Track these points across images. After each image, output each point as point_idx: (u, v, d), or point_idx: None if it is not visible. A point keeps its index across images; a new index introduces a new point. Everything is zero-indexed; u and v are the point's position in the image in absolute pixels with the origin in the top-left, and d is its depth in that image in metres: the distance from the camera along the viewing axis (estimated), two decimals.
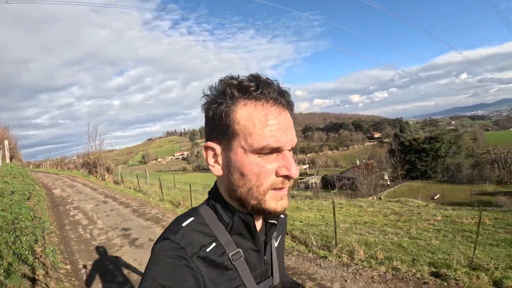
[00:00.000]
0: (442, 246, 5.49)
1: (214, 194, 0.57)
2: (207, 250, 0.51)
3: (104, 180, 12.27)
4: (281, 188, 0.52)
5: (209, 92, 0.52)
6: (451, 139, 39.17)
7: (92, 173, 13.99)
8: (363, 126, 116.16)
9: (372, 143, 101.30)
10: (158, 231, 4.86)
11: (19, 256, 2.86)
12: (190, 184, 7.57)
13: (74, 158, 29.89)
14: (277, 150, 0.49)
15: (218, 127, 0.51)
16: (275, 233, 0.65)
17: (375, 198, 21.86)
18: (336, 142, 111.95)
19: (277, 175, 0.50)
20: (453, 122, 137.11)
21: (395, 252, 4.21)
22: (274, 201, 0.51)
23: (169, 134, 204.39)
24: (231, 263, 0.53)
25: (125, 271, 3.32)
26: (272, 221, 0.61)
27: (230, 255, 0.53)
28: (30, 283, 2.45)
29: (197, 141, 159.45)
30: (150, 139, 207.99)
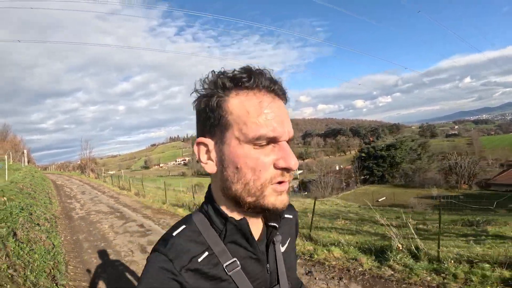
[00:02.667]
0: None
1: (207, 198, 0.56)
2: (199, 260, 0.49)
3: (89, 176, 19.26)
4: (281, 182, 0.50)
5: (199, 87, 0.51)
6: (413, 146, 44.56)
7: (83, 173, 21.05)
8: (361, 132, 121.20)
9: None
10: (99, 194, 11.55)
11: (44, 200, 9.64)
12: (142, 180, 14.27)
13: (78, 162, 37.63)
14: (273, 140, 0.48)
15: (210, 119, 0.50)
16: (279, 237, 0.61)
17: (323, 199, 27.80)
18: (333, 148, 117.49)
19: (275, 167, 0.48)
20: (456, 127, 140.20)
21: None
22: (274, 197, 0.49)
23: (172, 139, 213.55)
24: (226, 274, 0.50)
25: (82, 202, 10.03)
26: (273, 224, 0.57)
27: (224, 266, 0.50)
28: (48, 201, 9.14)
29: None
30: (154, 145, 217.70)
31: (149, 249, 4.29)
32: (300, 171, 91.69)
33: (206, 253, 0.50)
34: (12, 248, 3.12)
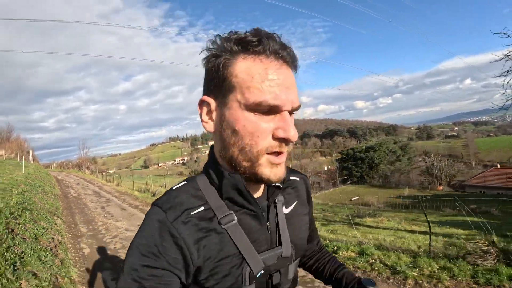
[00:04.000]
0: None
1: (209, 158, 0.58)
2: (192, 213, 0.50)
3: (85, 173, 23.26)
4: (278, 154, 0.50)
5: (210, 46, 0.51)
6: (394, 148, 47.96)
7: (80, 170, 25.07)
8: (358, 133, 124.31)
9: None
10: (89, 184, 15.43)
11: (50, 186, 13.56)
12: (132, 176, 18.03)
13: (76, 161, 42.12)
14: (275, 109, 0.48)
15: (215, 80, 0.50)
16: (281, 198, 0.62)
17: None
18: (330, 148, 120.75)
19: (273, 137, 0.49)
20: (456, 128, 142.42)
21: None
22: (269, 168, 0.50)
23: (171, 139, 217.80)
24: (222, 227, 0.51)
25: (79, 193, 13.93)
26: (276, 184, 0.56)
27: (219, 218, 0.51)
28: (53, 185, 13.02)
29: (198, 146, 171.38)
30: (154, 144, 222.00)
31: (107, 209, 8.11)
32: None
33: (202, 208, 0.51)
34: (35, 200, 6.93)
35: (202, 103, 0.53)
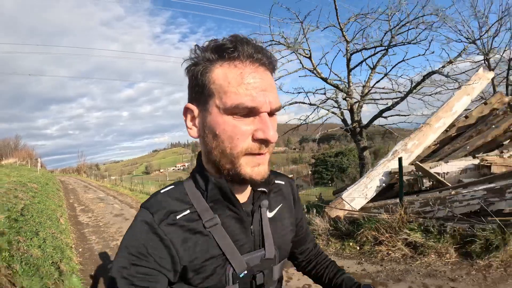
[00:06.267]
0: None
1: (196, 164, 0.62)
2: (177, 217, 0.54)
3: (82, 176, 30.56)
4: (258, 154, 0.53)
5: (191, 55, 0.55)
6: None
7: (79, 174, 32.41)
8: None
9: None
10: (82, 183, 22.49)
11: (57, 184, 20.76)
12: (121, 178, 25.03)
13: (76, 167, 49.95)
14: (253, 111, 0.51)
15: (196, 87, 0.54)
16: (266, 202, 0.65)
17: None
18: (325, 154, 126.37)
19: (253, 138, 0.52)
20: None
21: None
22: (250, 167, 0.53)
23: (173, 145, 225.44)
24: (205, 229, 0.55)
25: (77, 191, 21.04)
26: (261, 189, 0.62)
27: (204, 221, 0.55)
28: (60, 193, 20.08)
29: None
30: (155, 151, 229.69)
31: (87, 191, 15.03)
32: (291, 175, 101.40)
33: (188, 211, 0.55)
34: (47, 188, 13.84)
35: (186, 110, 0.58)
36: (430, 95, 6.97)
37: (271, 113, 0.54)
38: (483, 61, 12.01)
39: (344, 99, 7.21)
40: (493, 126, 5.12)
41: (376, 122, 8.58)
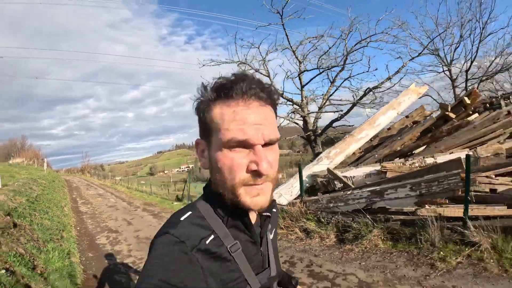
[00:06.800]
0: None
1: (209, 189, 0.64)
2: (207, 242, 0.56)
3: (86, 176, 32.44)
4: (254, 185, 0.56)
5: (198, 93, 0.60)
6: None
7: (83, 174, 34.36)
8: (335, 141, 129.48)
9: None
10: (88, 182, 24.32)
11: (62, 182, 22.59)
12: (120, 179, 26.84)
13: (80, 167, 52.19)
14: (246, 144, 0.54)
15: (201, 124, 0.60)
16: (269, 226, 0.72)
17: None
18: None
19: (247, 170, 0.55)
20: None
21: None
22: (249, 197, 0.56)
23: (178, 147, 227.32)
24: (230, 254, 0.58)
25: (82, 190, 22.87)
26: (266, 214, 0.68)
27: (228, 247, 0.58)
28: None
29: None
30: (160, 152, 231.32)
31: (89, 188, 16.77)
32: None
33: (212, 236, 0.57)
34: (54, 184, 15.59)
35: (197, 144, 0.63)
36: (368, 107, 8.43)
37: (268, 144, 0.57)
38: (444, 72, 13.44)
39: (294, 112, 8.68)
40: (399, 138, 6.56)
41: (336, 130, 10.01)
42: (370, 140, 7.24)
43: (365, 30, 8.81)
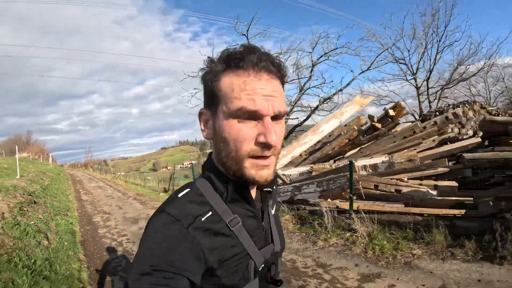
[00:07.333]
0: None
1: (209, 165, 0.64)
2: (202, 219, 0.56)
3: (89, 171, 34.65)
4: (262, 157, 0.56)
5: (205, 64, 0.60)
6: None
7: (86, 168, 36.59)
8: None
9: None
10: (91, 176, 26.41)
11: (66, 175, 24.70)
12: (123, 173, 28.97)
13: (83, 162, 54.59)
14: (255, 115, 0.54)
15: (207, 94, 0.60)
16: (271, 201, 0.72)
17: None
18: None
19: (256, 142, 0.55)
20: None
21: None
22: (254, 170, 0.56)
23: (181, 143, 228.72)
24: (229, 229, 0.58)
25: (84, 182, 24.95)
26: (267, 189, 0.67)
27: (227, 222, 0.58)
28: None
29: (207, 151, 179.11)
30: (164, 148, 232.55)
31: (91, 181, 18.80)
32: None
33: (210, 213, 0.57)
34: (59, 177, 17.59)
35: (200, 114, 0.63)
36: (323, 115, 10.16)
37: (276, 118, 0.57)
38: (408, 80, 15.07)
39: None
40: (328, 144, 8.28)
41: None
42: (315, 144, 8.95)
43: (327, 45, 10.49)
